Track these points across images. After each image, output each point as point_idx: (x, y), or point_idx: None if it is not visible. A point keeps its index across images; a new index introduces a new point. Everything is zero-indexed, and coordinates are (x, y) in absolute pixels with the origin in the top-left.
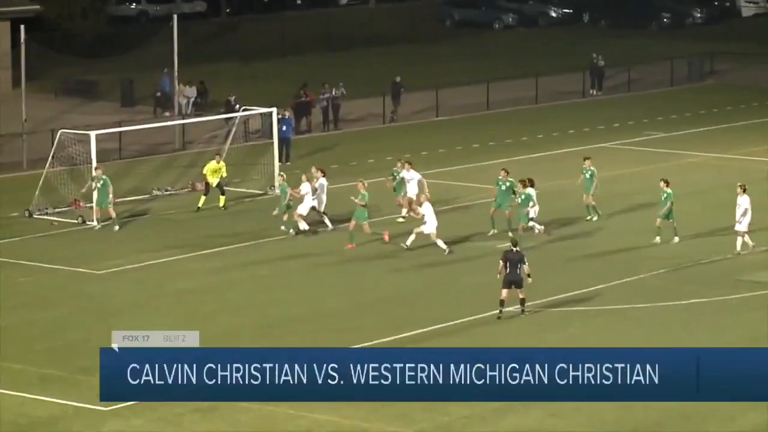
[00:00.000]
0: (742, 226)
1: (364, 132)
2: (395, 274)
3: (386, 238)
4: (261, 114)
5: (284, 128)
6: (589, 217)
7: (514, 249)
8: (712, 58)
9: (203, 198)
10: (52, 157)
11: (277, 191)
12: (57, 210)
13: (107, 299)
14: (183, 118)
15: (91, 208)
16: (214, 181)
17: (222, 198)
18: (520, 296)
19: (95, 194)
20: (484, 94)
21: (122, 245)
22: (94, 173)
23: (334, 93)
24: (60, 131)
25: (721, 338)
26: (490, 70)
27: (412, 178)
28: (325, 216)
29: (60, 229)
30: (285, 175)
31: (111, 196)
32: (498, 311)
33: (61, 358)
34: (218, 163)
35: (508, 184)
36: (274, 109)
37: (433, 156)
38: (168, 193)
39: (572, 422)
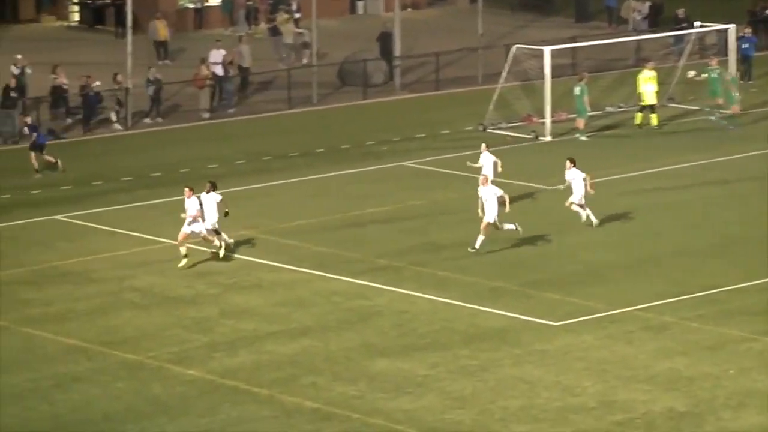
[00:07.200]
0: None
1: None
2: None
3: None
4: (717, 30)
5: (745, 46)
6: None
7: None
8: None
9: (639, 115)
10: (507, 72)
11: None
12: (511, 124)
13: (554, 215)
14: (637, 34)
15: (543, 123)
16: (646, 91)
17: (654, 116)
18: None
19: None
20: None
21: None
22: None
23: None
24: (515, 46)
25: None
26: None
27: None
28: None
29: (514, 144)
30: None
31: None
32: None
33: (512, 271)
34: (650, 71)
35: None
36: (732, 26)
37: None
38: (621, 110)
39: None
